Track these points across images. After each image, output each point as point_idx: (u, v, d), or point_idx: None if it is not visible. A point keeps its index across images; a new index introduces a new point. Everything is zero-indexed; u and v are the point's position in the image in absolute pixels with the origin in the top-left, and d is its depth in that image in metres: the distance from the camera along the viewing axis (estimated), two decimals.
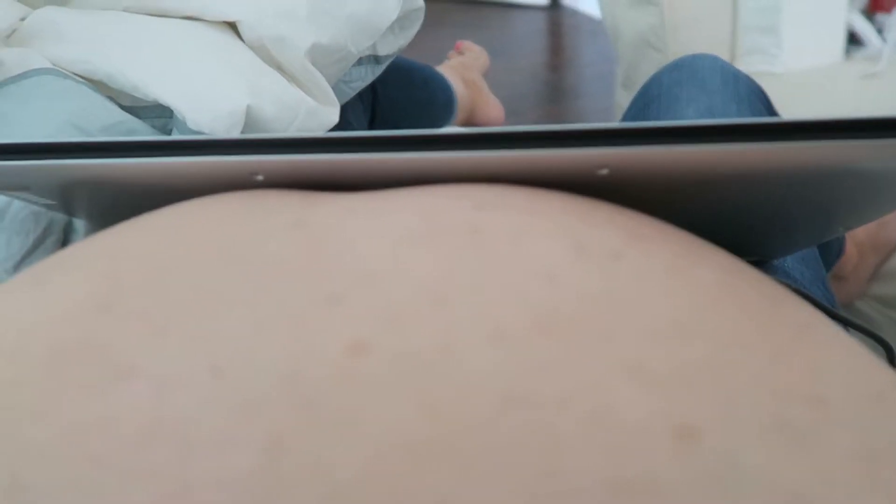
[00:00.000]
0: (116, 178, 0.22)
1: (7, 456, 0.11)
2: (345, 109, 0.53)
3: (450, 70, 0.90)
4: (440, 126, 0.78)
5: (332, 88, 0.46)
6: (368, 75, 0.53)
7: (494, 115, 0.92)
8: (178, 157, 0.20)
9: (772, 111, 0.55)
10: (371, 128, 0.64)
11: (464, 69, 0.94)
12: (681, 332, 0.13)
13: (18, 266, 0.30)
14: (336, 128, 0.47)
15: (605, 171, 0.19)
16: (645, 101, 0.55)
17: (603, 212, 0.17)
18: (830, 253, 0.74)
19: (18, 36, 0.37)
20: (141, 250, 0.16)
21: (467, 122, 0.90)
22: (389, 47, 0.53)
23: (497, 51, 1.22)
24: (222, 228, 0.17)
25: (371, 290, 0.13)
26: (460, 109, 0.84)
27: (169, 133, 0.37)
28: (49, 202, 0.27)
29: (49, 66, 0.35)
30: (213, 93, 0.36)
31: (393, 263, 0.14)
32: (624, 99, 1.04)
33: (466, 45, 1.06)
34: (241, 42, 0.41)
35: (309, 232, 0.16)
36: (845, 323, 0.41)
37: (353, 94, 0.53)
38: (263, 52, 0.41)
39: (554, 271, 0.14)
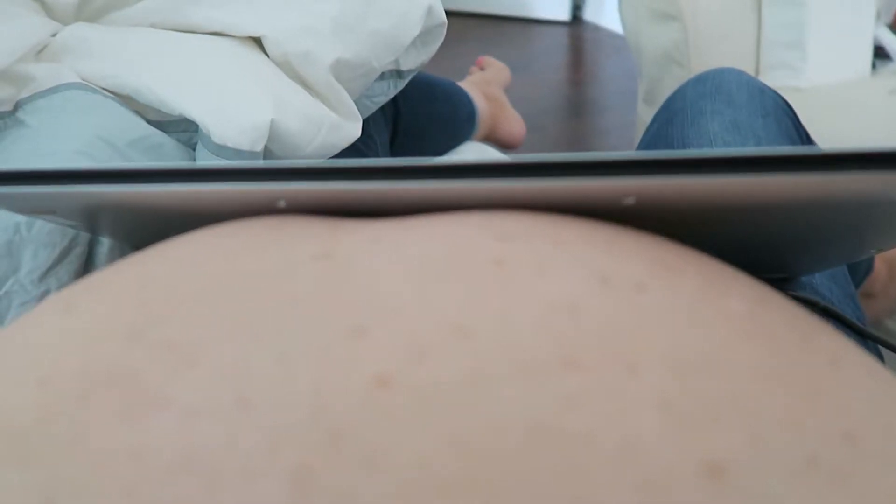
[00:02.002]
0: (141, 203, 0.22)
1: (40, 484, 0.11)
2: (367, 123, 0.53)
3: (471, 85, 0.90)
4: (462, 141, 0.78)
5: (355, 103, 0.46)
6: (391, 90, 0.53)
7: (516, 131, 0.92)
8: (201, 185, 0.20)
9: (798, 126, 0.54)
10: (393, 142, 0.65)
11: (485, 84, 0.94)
12: (708, 366, 0.12)
13: (44, 277, 0.30)
14: (358, 142, 0.47)
15: (631, 200, 0.18)
16: (668, 114, 0.55)
17: (628, 241, 0.17)
18: (859, 270, 0.72)
19: (49, 51, 0.37)
20: (169, 280, 0.16)
21: (489, 137, 0.90)
22: (412, 62, 0.53)
23: (518, 66, 1.22)
24: (249, 258, 0.17)
25: (396, 323, 0.13)
26: (481, 124, 0.84)
27: (194, 147, 0.37)
28: (75, 223, 0.27)
29: (78, 80, 0.35)
30: (238, 107, 0.36)
31: (418, 296, 0.14)
32: (646, 114, 1.04)
33: (488, 60, 1.06)
34: (265, 57, 0.41)
35: (334, 264, 0.16)
36: (876, 341, 0.40)
37: (375, 108, 0.53)
38: (288, 68, 0.42)
39: (578, 303, 0.13)
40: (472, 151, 0.73)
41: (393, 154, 0.65)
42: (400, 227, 0.18)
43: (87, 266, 0.32)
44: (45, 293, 0.30)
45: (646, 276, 0.15)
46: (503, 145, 0.93)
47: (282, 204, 0.21)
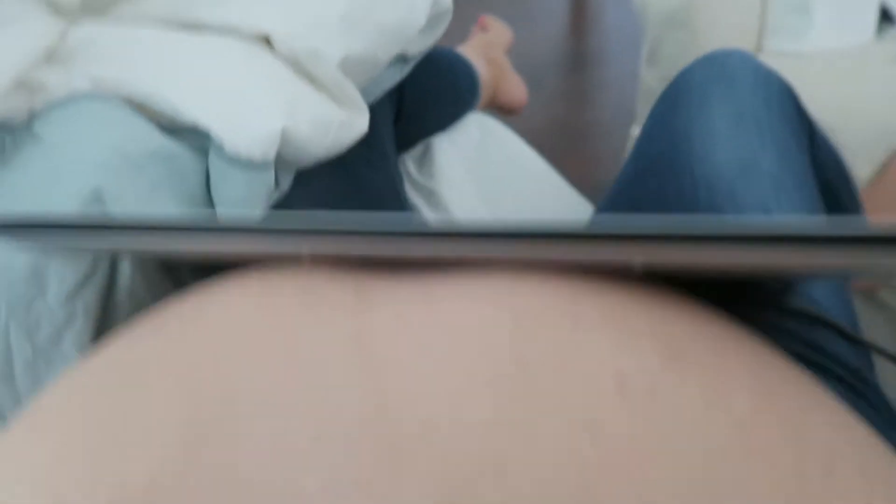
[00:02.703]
0: (164, 251, 0.23)
1: None
2: (372, 110, 0.53)
3: (472, 50, 0.89)
4: (465, 111, 0.77)
5: (361, 90, 0.47)
6: (396, 75, 0.53)
7: (517, 96, 0.92)
8: (224, 239, 0.21)
9: (800, 111, 0.55)
10: (397, 120, 0.64)
11: (487, 47, 0.93)
12: (709, 490, 0.14)
13: (71, 298, 0.31)
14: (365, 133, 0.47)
15: (640, 260, 0.19)
16: (674, 96, 0.55)
17: (643, 320, 0.18)
18: None
19: (60, 55, 0.37)
20: (216, 380, 0.17)
21: (491, 104, 0.89)
22: (417, 47, 0.53)
23: (518, 17, 1.20)
24: (286, 342, 0.17)
25: (430, 448, 0.14)
26: (483, 91, 0.84)
27: (206, 151, 0.38)
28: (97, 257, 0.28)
29: (90, 88, 0.35)
30: (249, 116, 0.36)
31: (449, 416, 0.15)
32: (649, 76, 1.03)
33: (489, 20, 1.04)
34: (274, 55, 0.41)
35: (366, 354, 0.17)
36: (871, 349, 0.41)
37: (381, 93, 0.53)
38: (296, 65, 0.41)
39: (597, 419, 0.15)
40: (475, 125, 0.73)
41: (397, 134, 0.65)
42: (423, 303, 0.19)
43: (110, 286, 0.33)
44: (72, 314, 0.31)
45: (659, 373, 0.16)
46: (505, 111, 0.93)
47: (305, 251, 0.22)
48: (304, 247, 0.22)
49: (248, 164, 0.36)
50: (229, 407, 0.16)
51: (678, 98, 0.53)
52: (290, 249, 0.22)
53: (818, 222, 0.18)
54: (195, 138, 0.37)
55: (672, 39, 0.97)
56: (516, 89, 0.92)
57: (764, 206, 0.44)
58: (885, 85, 0.87)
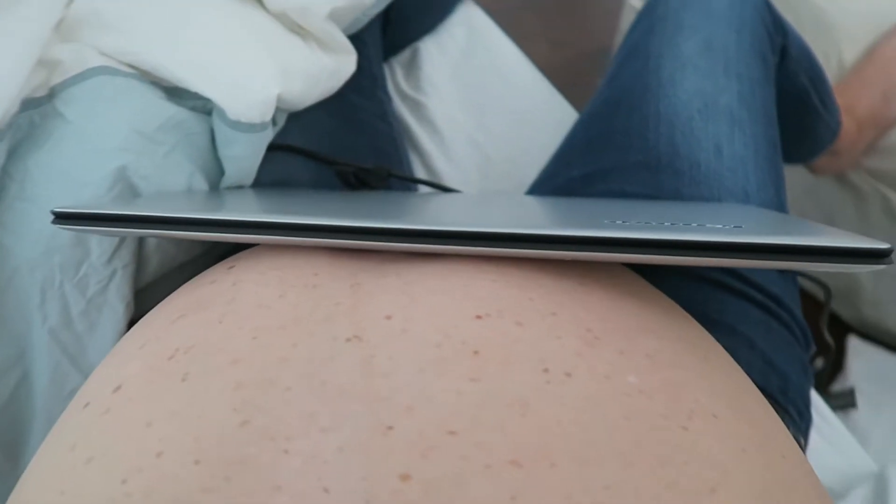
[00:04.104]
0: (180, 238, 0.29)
1: None
2: (360, 34, 0.56)
3: None
4: (452, 6, 0.77)
5: (350, 23, 0.49)
6: (383, 2, 0.55)
7: None
8: (231, 234, 0.27)
9: (773, 34, 0.56)
10: (385, 32, 0.66)
11: None
12: (598, 443, 0.19)
13: (111, 259, 0.37)
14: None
15: (568, 259, 0.25)
16: (650, 21, 0.56)
17: (570, 309, 0.23)
18: (822, 140, 0.77)
19: (66, 26, 0.40)
20: (251, 363, 0.21)
21: None
22: None
23: None
24: (304, 339, 0.22)
25: (410, 422, 0.19)
26: None
27: (209, 113, 0.42)
28: None
29: (102, 62, 0.39)
30: (248, 86, 0.40)
31: (424, 397, 0.20)
32: None
33: None
34: (265, 13, 0.44)
35: (364, 352, 0.22)
36: (795, 272, 0.48)
37: (369, 20, 0.55)
38: (285, 18, 0.44)
39: (527, 401, 0.20)
40: (462, 25, 0.74)
41: (385, 40, 0.67)
42: (406, 299, 0.24)
43: (141, 244, 0.39)
44: (113, 271, 0.37)
45: (571, 359, 0.21)
46: None
47: (307, 244, 0.28)
48: (305, 241, 0.27)
49: (248, 127, 0.41)
50: (270, 388, 0.21)
51: (655, 24, 0.55)
52: (292, 242, 0.27)
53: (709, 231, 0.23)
54: (199, 101, 0.41)
55: None
56: None
57: (717, 144, 0.48)
58: None
